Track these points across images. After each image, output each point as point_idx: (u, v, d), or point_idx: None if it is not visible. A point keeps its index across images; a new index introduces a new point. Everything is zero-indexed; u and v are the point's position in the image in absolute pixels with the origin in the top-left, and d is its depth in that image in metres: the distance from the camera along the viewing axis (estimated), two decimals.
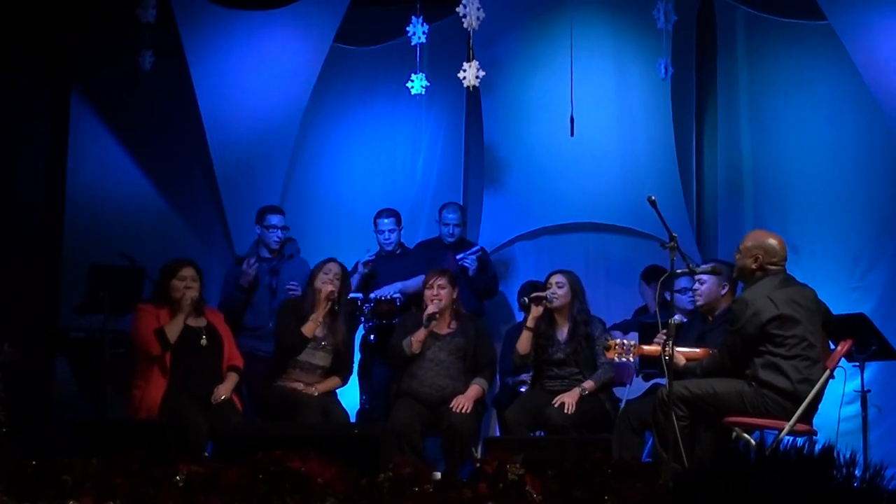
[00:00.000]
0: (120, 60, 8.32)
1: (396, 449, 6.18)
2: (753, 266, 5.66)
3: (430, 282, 6.73)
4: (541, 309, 6.65)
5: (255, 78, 8.41)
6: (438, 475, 5.48)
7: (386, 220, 7.77)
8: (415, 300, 7.17)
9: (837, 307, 6.21)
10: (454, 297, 6.76)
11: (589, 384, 6.52)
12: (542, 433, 6.49)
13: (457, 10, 6.66)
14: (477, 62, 6.74)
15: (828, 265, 7.80)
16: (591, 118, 7.86)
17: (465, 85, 6.81)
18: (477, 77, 6.72)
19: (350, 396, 7.44)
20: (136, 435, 5.62)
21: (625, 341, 6.20)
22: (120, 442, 5.18)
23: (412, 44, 7.07)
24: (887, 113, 7.40)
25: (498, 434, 7.16)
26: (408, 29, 7.07)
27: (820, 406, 5.65)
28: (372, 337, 7.36)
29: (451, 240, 7.90)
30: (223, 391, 6.36)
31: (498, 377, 7.24)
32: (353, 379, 7.42)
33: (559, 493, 4.32)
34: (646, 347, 6.08)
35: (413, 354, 6.66)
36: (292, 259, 7.63)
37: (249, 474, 4.47)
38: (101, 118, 9.14)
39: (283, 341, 6.71)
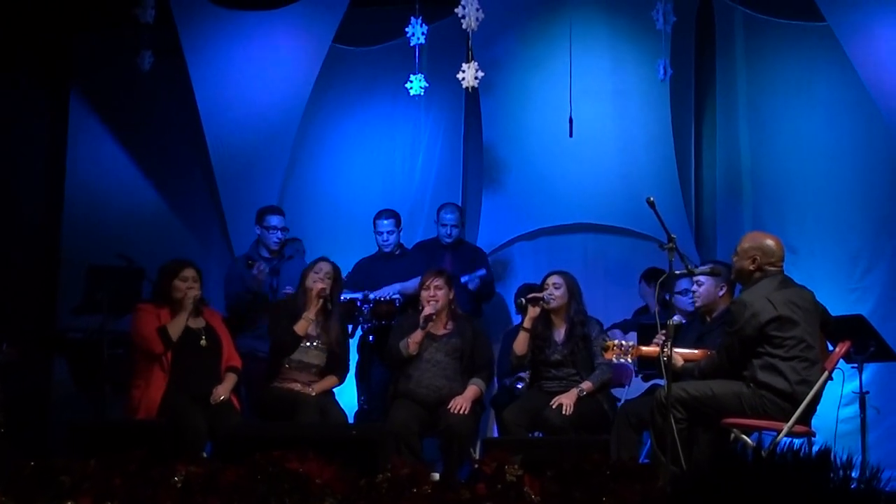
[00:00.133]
0: (119, 61, 8.32)
1: (395, 450, 6.18)
2: (751, 267, 5.66)
3: (427, 283, 6.72)
4: (538, 310, 6.65)
5: (254, 78, 8.41)
6: (437, 476, 5.49)
7: (385, 222, 7.77)
8: (414, 301, 7.17)
9: (836, 308, 6.22)
10: (451, 297, 6.76)
11: (587, 385, 6.52)
12: (541, 434, 6.48)
13: (456, 10, 6.66)
14: (476, 63, 6.74)
15: (826, 266, 7.80)
16: (589, 119, 7.88)
17: (464, 86, 6.81)
18: (476, 78, 6.72)
19: (348, 397, 7.44)
20: (134, 435, 5.62)
21: (623, 342, 6.19)
22: (118, 442, 5.17)
23: (411, 44, 7.07)
24: (885, 113, 7.41)
25: (496, 435, 7.16)
26: (407, 29, 7.07)
27: (818, 407, 5.65)
28: (371, 338, 7.36)
29: (448, 240, 7.90)
30: (222, 392, 6.37)
31: (496, 379, 7.24)
32: (352, 379, 7.42)
33: (558, 494, 4.32)
34: (644, 348, 6.07)
35: (410, 356, 6.66)
36: (292, 260, 7.63)
37: (248, 475, 4.46)
38: (100, 118, 9.15)
39: (276, 340, 6.72)
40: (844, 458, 3.38)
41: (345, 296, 7.21)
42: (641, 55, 8.04)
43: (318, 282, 6.70)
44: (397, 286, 7.44)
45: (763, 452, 5.13)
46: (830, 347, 5.82)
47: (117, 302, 7.31)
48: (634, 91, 8.25)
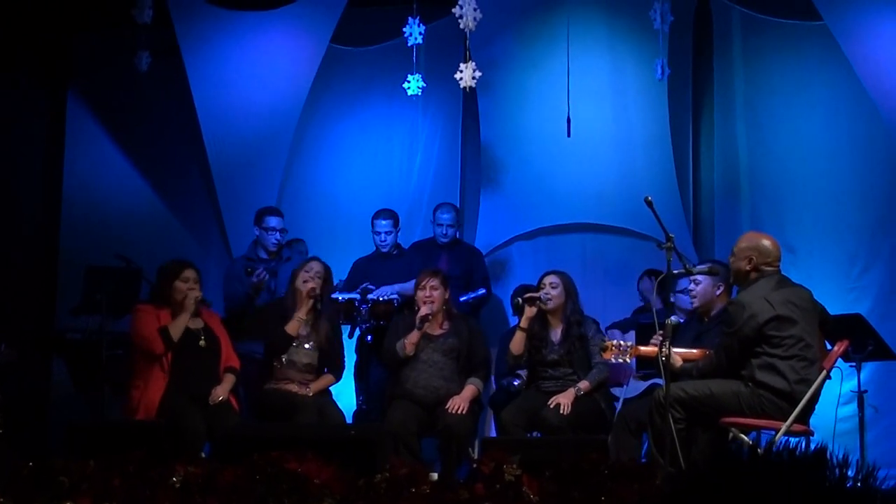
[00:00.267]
0: (117, 61, 8.31)
1: (393, 450, 6.17)
2: (747, 268, 5.66)
3: (423, 283, 6.72)
4: (534, 309, 6.65)
5: (251, 78, 8.41)
6: (435, 476, 5.49)
7: (383, 222, 7.76)
8: (411, 302, 7.17)
9: (834, 307, 6.22)
10: (446, 297, 6.76)
11: (584, 384, 6.52)
12: (539, 434, 6.49)
13: (453, 10, 6.66)
14: (473, 63, 6.73)
15: (824, 265, 7.81)
16: (587, 119, 7.88)
17: (461, 86, 6.80)
18: (473, 78, 6.72)
19: (347, 397, 7.44)
20: (133, 436, 5.62)
21: (622, 342, 6.19)
22: (117, 443, 5.17)
23: (409, 44, 7.06)
24: (883, 113, 7.41)
25: (494, 435, 7.16)
26: (404, 29, 7.06)
27: (817, 406, 5.65)
28: (369, 338, 7.36)
29: (445, 240, 7.89)
30: (220, 392, 6.37)
31: (493, 379, 7.24)
32: (350, 380, 7.42)
33: (556, 493, 4.32)
34: (643, 348, 6.07)
35: (407, 357, 6.65)
36: (290, 262, 7.62)
37: (246, 475, 4.46)
38: (98, 119, 9.14)
39: (267, 341, 6.73)
40: (841, 456, 3.39)
41: (343, 296, 7.21)
42: (639, 55, 8.05)
43: (308, 281, 6.71)
44: (396, 287, 7.43)
45: (760, 451, 5.13)
46: (829, 346, 5.83)
47: (116, 302, 7.32)
48: (632, 91, 8.25)
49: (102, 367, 7.18)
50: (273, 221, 7.62)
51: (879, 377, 7.28)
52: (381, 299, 7.34)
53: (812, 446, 3.75)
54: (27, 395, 8.22)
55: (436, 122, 8.71)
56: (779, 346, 5.48)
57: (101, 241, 8.69)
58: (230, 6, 8.41)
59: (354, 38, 8.66)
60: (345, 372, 7.21)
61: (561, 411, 6.38)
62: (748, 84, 8.19)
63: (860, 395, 6.62)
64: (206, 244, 8.88)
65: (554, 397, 6.46)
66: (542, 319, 6.70)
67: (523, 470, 4.42)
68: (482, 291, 7.76)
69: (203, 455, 5.97)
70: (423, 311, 6.64)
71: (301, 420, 6.35)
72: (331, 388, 6.90)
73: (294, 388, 6.62)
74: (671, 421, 5.35)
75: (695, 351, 5.88)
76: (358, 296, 7.34)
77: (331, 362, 6.82)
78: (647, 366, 6.59)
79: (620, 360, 6.19)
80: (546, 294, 6.66)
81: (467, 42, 6.73)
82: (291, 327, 6.65)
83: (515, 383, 6.89)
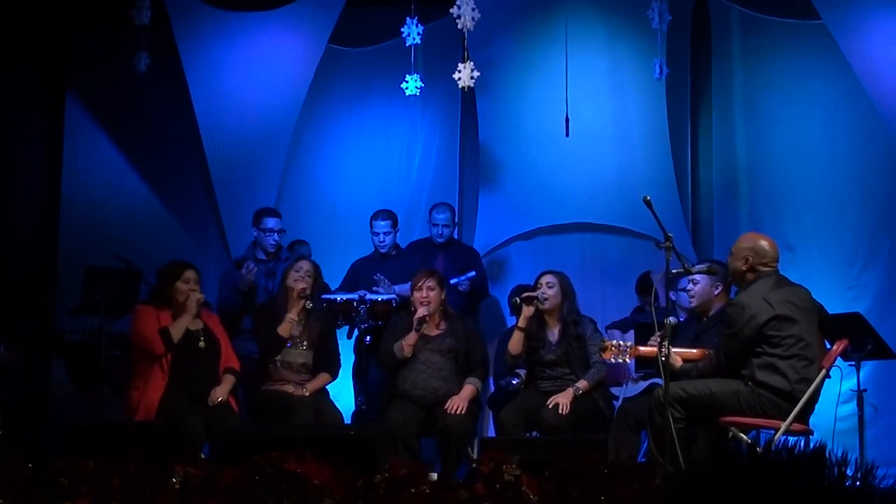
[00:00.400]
0: (116, 61, 8.32)
1: (392, 450, 6.17)
2: (744, 267, 5.67)
3: (419, 284, 6.71)
4: (532, 309, 6.65)
5: (250, 79, 8.42)
6: (434, 476, 5.49)
7: (382, 223, 7.76)
8: (408, 303, 7.16)
9: (833, 306, 6.22)
10: (443, 297, 6.76)
11: (582, 384, 6.52)
12: (538, 434, 6.49)
13: (451, 10, 6.66)
14: (472, 63, 6.73)
15: (824, 264, 7.81)
16: (586, 118, 7.89)
17: (460, 86, 6.80)
18: (472, 78, 6.72)
19: (346, 398, 7.44)
20: (132, 437, 5.61)
21: (621, 342, 6.19)
22: (116, 444, 5.16)
23: (407, 45, 7.07)
24: (882, 111, 7.41)
25: (492, 435, 7.16)
26: (402, 30, 7.07)
27: (816, 405, 5.66)
28: (368, 338, 7.35)
29: (441, 240, 7.89)
30: (220, 393, 6.38)
31: (492, 380, 7.24)
32: (349, 380, 7.42)
33: (555, 493, 4.33)
34: (642, 348, 6.07)
35: (405, 358, 6.65)
36: (288, 262, 7.61)
37: (246, 476, 4.46)
38: (96, 120, 9.15)
39: (260, 344, 6.74)
40: (840, 454, 3.39)
41: (342, 296, 7.21)
42: (637, 54, 8.05)
43: (298, 281, 6.72)
44: (395, 288, 7.42)
45: (759, 450, 5.13)
46: (828, 345, 5.83)
47: (115, 303, 7.31)
48: (631, 90, 8.26)
49: (102, 367, 7.17)
50: (271, 222, 7.62)
51: (879, 376, 7.28)
52: (379, 300, 7.33)
53: (811, 445, 3.75)
54: (27, 396, 8.23)
55: (434, 123, 8.71)
56: (778, 346, 5.48)
57: (100, 241, 8.70)
58: (228, 7, 8.41)
59: (353, 38, 8.66)
60: (344, 372, 7.21)
61: (560, 411, 6.38)
62: (747, 83, 8.20)
63: (859, 394, 6.61)
64: (204, 245, 8.88)
65: (552, 397, 6.46)
66: (539, 319, 6.70)
67: (523, 470, 4.42)
68: (472, 273, 7.74)
69: (202, 456, 5.96)
70: (421, 312, 6.64)
71: (298, 420, 6.35)
72: (330, 388, 6.91)
73: (290, 388, 6.63)
74: (671, 420, 5.35)
75: (695, 351, 5.88)
76: (357, 296, 7.34)
77: (326, 361, 6.82)
78: (646, 366, 6.59)
79: (620, 360, 6.19)
80: (543, 294, 6.66)
81: (465, 42, 6.74)
82: (284, 329, 6.65)
83: (514, 383, 6.90)
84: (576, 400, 6.45)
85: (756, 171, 8.16)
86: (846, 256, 7.83)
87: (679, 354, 5.80)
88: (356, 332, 7.37)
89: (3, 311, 8.26)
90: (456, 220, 8.06)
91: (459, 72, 6.75)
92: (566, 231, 8.43)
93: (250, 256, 7.60)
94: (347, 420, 6.98)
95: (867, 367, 6.92)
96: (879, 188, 7.76)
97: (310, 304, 6.72)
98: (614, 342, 6.16)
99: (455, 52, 6.97)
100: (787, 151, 8.04)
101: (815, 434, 5.62)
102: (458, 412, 6.46)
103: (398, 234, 7.88)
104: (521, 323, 6.66)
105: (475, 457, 6.21)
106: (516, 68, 8.45)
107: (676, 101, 8.24)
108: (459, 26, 6.66)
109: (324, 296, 7.25)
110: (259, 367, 6.78)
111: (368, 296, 7.21)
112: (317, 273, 6.85)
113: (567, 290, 6.72)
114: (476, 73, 6.73)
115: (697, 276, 6.15)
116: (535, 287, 6.75)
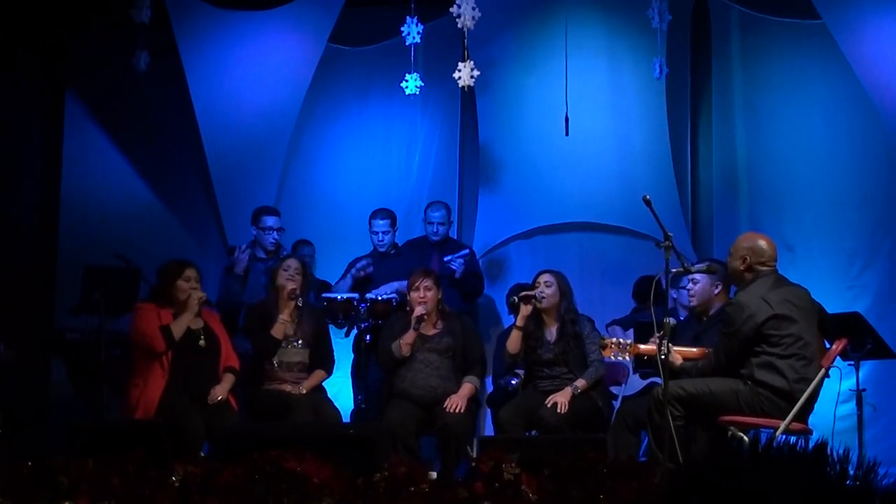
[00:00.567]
0: (116, 61, 8.32)
1: (392, 449, 6.17)
2: (742, 267, 5.67)
3: (416, 283, 6.71)
4: (530, 308, 6.65)
5: (249, 78, 8.42)
6: (434, 475, 5.49)
7: (381, 222, 7.76)
8: (405, 302, 7.15)
9: (833, 306, 6.22)
10: (439, 296, 6.76)
11: (581, 383, 6.53)
12: (537, 433, 6.49)
13: (451, 10, 6.66)
14: (472, 62, 6.74)
15: (823, 264, 7.81)
16: (585, 117, 7.88)
17: (459, 85, 6.81)
18: (472, 77, 6.72)
19: (345, 397, 7.44)
20: (132, 436, 5.61)
21: (621, 340, 6.19)
22: (116, 443, 5.17)
23: (407, 44, 7.07)
24: (882, 111, 7.41)
25: (491, 434, 7.16)
26: (402, 29, 7.07)
27: (815, 405, 5.65)
28: (367, 337, 7.35)
29: (436, 238, 7.88)
30: (220, 392, 6.38)
31: (491, 379, 7.24)
32: (349, 379, 7.42)
33: (555, 492, 4.33)
34: (642, 347, 6.07)
35: (404, 357, 6.66)
36: None
37: (245, 475, 4.47)
38: (96, 119, 9.15)
39: (255, 346, 6.74)
40: (841, 452, 3.39)
41: (341, 295, 7.21)
42: (637, 54, 8.05)
43: (289, 281, 6.72)
44: (394, 285, 7.43)
45: (759, 448, 5.13)
46: (827, 345, 5.83)
47: (114, 302, 7.31)
48: (630, 89, 8.26)
49: (101, 366, 7.17)
50: (270, 221, 7.63)
51: (878, 376, 7.28)
52: (379, 298, 7.33)
53: (811, 445, 3.74)
54: (26, 395, 8.23)
55: (434, 122, 8.71)
56: (778, 345, 5.48)
57: (99, 240, 8.69)
58: (228, 6, 8.41)
59: (352, 37, 8.66)
60: (343, 371, 7.21)
61: (558, 410, 6.38)
62: (746, 83, 8.20)
63: (859, 394, 6.61)
64: (204, 244, 8.88)
65: (551, 396, 6.46)
66: (536, 319, 6.71)
67: (522, 468, 4.42)
68: (465, 252, 7.72)
69: (202, 454, 5.97)
70: (418, 311, 6.64)
71: (296, 419, 6.35)
72: (329, 387, 6.92)
73: (287, 387, 6.62)
74: (670, 418, 5.35)
75: (695, 349, 5.88)
76: (357, 295, 7.34)
77: (321, 358, 6.82)
78: (646, 364, 6.58)
79: (620, 358, 6.18)
80: (540, 293, 6.66)
81: (465, 41, 6.74)
82: (277, 330, 6.65)
83: (513, 382, 6.90)
84: (574, 399, 6.45)
85: (756, 171, 8.15)
86: (846, 256, 7.83)
87: (679, 353, 5.81)
88: (355, 331, 7.37)
89: (3, 310, 8.26)
90: (451, 218, 8.05)
91: (459, 71, 6.76)
92: (566, 230, 8.43)
93: (247, 248, 7.59)
94: (346, 419, 6.98)
95: (866, 366, 6.92)
96: (879, 188, 7.76)
97: (300, 303, 6.72)
98: (614, 340, 6.16)
99: (455, 52, 6.97)
100: (787, 151, 8.04)
101: (814, 433, 5.62)
102: (457, 411, 6.47)
103: (397, 234, 7.87)
104: (519, 322, 6.66)
105: (474, 455, 6.21)
106: (516, 68, 8.45)
107: (676, 101, 8.24)
108: (459, 25, 6.67)
109: (324, 294, 7.27)
110: (254, 366, 6.77)
111: (368, 294, 7.22)
112: (305, 270, 6.86)
113: (565, 290, 6.72)
114: (476, 73, 6.74)
115: (697, 276, 6.15)
116: (532, 286, 6.75)
